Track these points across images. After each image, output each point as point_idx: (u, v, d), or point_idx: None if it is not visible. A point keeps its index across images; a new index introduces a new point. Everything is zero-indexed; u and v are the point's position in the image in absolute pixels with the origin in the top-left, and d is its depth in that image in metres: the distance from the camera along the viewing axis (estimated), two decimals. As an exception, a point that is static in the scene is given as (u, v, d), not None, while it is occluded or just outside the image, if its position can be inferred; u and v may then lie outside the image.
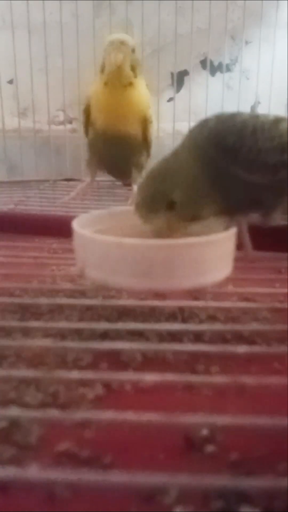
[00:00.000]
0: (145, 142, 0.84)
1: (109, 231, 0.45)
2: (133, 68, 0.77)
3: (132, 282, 0.39)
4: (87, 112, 0.83)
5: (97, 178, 0.89)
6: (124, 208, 0.54)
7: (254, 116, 0.50)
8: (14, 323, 0.39)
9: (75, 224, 0.43)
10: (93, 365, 0.34)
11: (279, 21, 0.98)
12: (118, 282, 0.39)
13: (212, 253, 0.40)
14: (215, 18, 0.97)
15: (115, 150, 0.81)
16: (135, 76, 0.78)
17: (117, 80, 0.76)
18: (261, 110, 1.03)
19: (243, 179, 0.46)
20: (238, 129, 0.47)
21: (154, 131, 0.92)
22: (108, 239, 0.40)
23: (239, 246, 0.47)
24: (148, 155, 0.86)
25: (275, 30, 0.98)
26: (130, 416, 0.25)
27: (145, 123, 0.82)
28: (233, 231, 0.42)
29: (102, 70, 0.78)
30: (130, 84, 0.77)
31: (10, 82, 1.03)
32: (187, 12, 0.97)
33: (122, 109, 0.79)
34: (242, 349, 0.33)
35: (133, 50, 0.76)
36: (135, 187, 0.79)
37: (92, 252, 0.40)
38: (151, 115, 0.83)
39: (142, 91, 0.80)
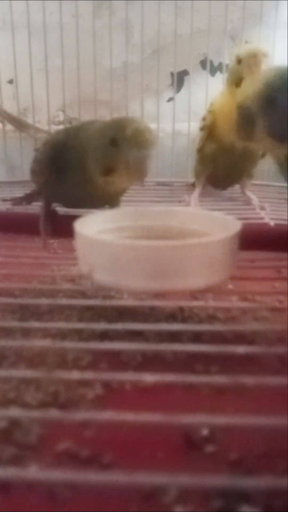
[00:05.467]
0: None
1: (109, 233, 0.45)
2: None
3: (145, 284, 0.39)
4: (211, 127, 0.79)
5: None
6: (124, 209, 0.54)
7: None
8: (14, 323, 0.39)
9: (79, 227, 0.42)
10: (93, 365, 0.34)
11: (279, 21, 0.98)
12: (130, 284, 0.39)
13: (225, 252, 0.40)
14: (215, 19, 0.96)
15: (241, 162, 0.79)
16: None
17: None
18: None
19: None
20: None
21: (154, 131, 0.91)
22: (120, 242, 0.39)
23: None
24: None
25: (275, 30, 0.98)
26: (130, 416, 0.26)
27: None
28: (236, 229, 0.42)
29: (237, 84, 0.72)
30: None
31: (10, 82, 1.03)
32: (186, 12, 0.97)
33: None
34: (241, 349, 0.33)
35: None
36: (249, 193, 0.80)
37: (102, 255, 0.40)
38: None
39: None
